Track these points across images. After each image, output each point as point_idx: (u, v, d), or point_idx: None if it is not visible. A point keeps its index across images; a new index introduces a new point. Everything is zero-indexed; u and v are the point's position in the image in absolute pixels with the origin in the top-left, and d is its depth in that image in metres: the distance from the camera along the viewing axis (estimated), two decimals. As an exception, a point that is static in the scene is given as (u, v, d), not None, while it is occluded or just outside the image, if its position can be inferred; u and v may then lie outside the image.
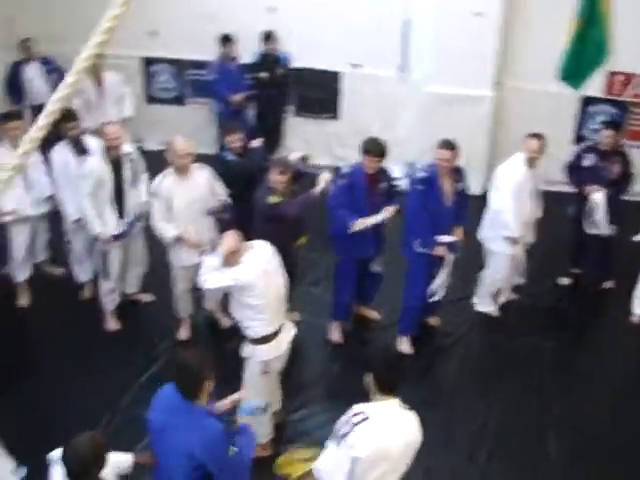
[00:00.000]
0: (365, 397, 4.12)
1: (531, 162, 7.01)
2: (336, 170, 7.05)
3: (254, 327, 5.39)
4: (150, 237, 7.05)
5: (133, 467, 4.33)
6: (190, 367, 4.12)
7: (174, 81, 11.06)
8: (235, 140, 7.14)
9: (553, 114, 9.51)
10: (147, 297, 7.72)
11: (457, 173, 6.65)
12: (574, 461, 5.97)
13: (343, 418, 3.95)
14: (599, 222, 7.55)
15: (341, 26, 9.94)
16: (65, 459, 3.64)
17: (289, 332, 5.70)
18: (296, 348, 7.03)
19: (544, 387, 6.76)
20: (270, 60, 10.24)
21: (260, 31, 10.08)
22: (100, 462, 3.69)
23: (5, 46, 10.38)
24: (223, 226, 6.81)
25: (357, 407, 3.96)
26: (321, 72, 10.51)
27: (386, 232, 7.00)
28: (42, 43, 9.89)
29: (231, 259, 5.25)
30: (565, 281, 8.22)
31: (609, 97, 9.83)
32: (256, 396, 5.45)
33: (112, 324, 7.35)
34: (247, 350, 5.53)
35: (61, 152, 7.17)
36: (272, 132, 10.46)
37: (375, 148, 6.49)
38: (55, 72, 9.77)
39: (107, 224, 6.87)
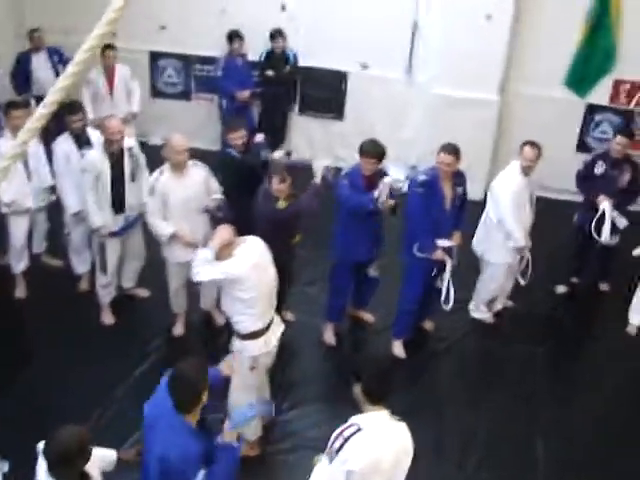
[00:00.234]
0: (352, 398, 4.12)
1: (526, 170, 6.98)
2: (338, 170, 7.01)
3: (244, 322, 5.40)
4: (148, 232, 7.04)
5: (117, 464, 4.32)
6: (187, 381, 4.03)
7: (180, 76, 11.06)
8: (237, 138, 7.09)
9: (557, 121, 9.51)
10: (143, 292, 7.72)
11: (457, 177, 6.62)
12: (564, 471, 5.96)
13: (336, 431, 3.91)
14: (605, 231, 7.50)
15: (350, 26, 9.92)
16: (46, 451, 3.63)
17: (278, 328, 5.71)
18: (289, 348, 7.07)
19: (535, 396, 6.76)
20: (277, 58, 10.24)
21: (269, 29, 10.07)
22: (83, 455, 3.67)
23: (15, 36, 10.43)
24: (218, 224, 6.83)
25: (352, 419, 3.94)
26: (327, 72, 10.50)
27: (383, 236, 6.99)
28: (51, 34, 9.91)
29: (223, 252, 5.27)
30: (562, 289, 8.22)
31: (614, 105, 9.81)
32: (244, 392, 5.51)
33: (108, 318, 7.35)
34: (236, 345, 5.54)
35: (64, 144, 7.15)
36: (276, 130, 10.46)
37: (372, 150, 6.48)
38: (63, 63, 9.81)
39: (105, 218, 6.88)
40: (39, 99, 9.56)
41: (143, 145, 8.66)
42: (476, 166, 8.38)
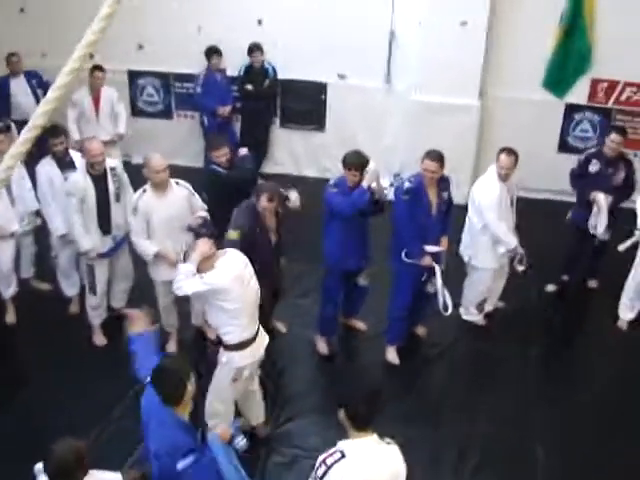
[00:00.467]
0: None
1: (504, 177, 6.99)
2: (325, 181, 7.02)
3: (230, 333, 5.43)
4: (135, 252, 7.03)
5: None
6: (171, 373, 4.15)
7: (160, 94, 11.07)
8: (221, 155, 7.09)
9: (538, 122, 9.59)
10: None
11: (443, 182, 6.65)
12: (563, 474, 5.94)
13: (320, 457, 3.85)
14: (600, 226, 7.54)
15: (327, 37, 9.96)
16: (46, 464, 3.72)
17: (264, 340, 5.73)
18: (284, 359, 7.10)
19: (530, 397, 6.75)
20: (256, 72, 10.28)
21: (246, 43, 10.09)
22: (81, 468, 3.74)
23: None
24: None
25: (338, 444, 3.87)
26: (307, 83, 10.54)
27: (372, 242, 7.00)
28: (28, 57, 9.93)
29: (205, 265, 5.31)
30: (551, 288, 8.25)
31: (593, 104, 9.88)
32: (219, 404, 5.62)
33: (100, 339, 7.33)
34: (222, 357, 5.55)
35: (46, 167, 7.15)
36: (259, 144, 10.48)
37: (355, 161, 6.47)
38: (42, 86, 9.81)
39: (93, 240, 6.87)
40: (20, 123, 9.57)
41: (126, 164, 8.67)
42: (459, 171, 8.43)
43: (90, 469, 3.89)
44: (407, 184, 6.58)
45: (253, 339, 5.53)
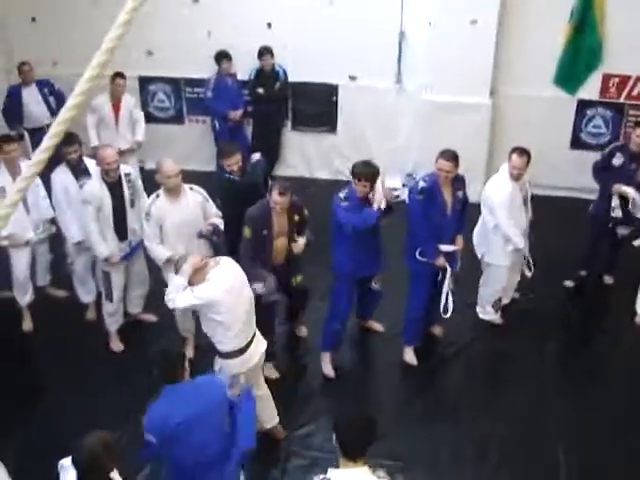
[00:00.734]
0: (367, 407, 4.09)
1: (516, 177, 6.98)
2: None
3: (224, 342, 5.44)
4: (150, 257, 7.05)
5: None
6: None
7: (171, 99, 11.10)
8: (233, 163, 6.97)
9: (550, 119, 9.56)
10: (150, 317, 7.70)
11: (457, 181, 6.64)
12: (582, 472, 5.89)
13: None
14: (636, 210, 7.50)
15: (337, 39, 9.98)
16: (75, 456, 3.76)
17: (260, 346, 5.73)
18: (303, 361, 7.07)
19: (548, 396, 6.72)
20: (267, 75, 10.29)
21: (256, 47, 10.11)
22: (110, 459, 3.80)
23: (4, 70, 10.50)
24: (215, 248, 6.84)
25: (328, 472, 3.77)
26: (318, 86, 10.56)
27: (385, 245, 6.98)
28: (40, 66, 9.98)
29: (197, 277, 5.31)
30: (569, 284, 8.23)
31: (605, 100, 9.84)
32: None
33: (117, 345, 7.35)
34: (217, 364, 5.59)
35: (61, 175, 7.17)
36: (271, 148, 10.49)
37: (364, 172, 6.33)
38: (54, 95, 9.86)
39: (110, 247, 6.90)
40: (32, 132, 9.65)
41: (142, 170, 8.72)
42: (472, 169, 8.40)
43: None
44: (422, 184, 6.58)
45: (247, 347, 5.53)
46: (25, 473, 5.14)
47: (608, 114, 9.90)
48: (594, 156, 8.24)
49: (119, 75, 9.47)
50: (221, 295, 5.25)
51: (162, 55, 10.68)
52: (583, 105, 9.85)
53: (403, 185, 10.33)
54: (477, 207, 7.36)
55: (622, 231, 7.69)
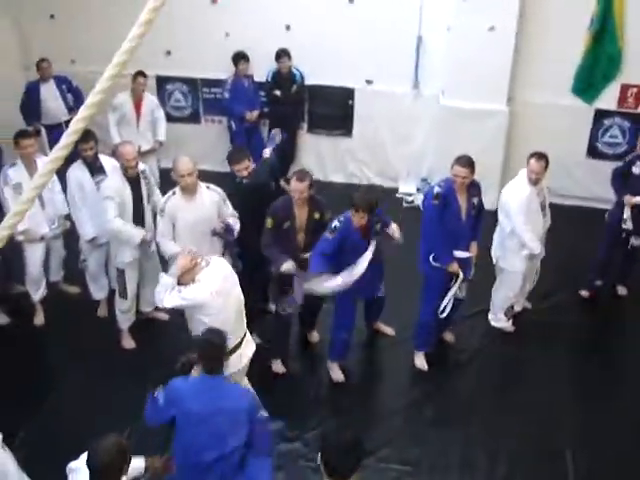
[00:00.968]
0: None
1: (534, 181, 6.97)
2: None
3: None
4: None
5: (145, 472, 4.46)
6: (214, 343, 4.65)
7: (188, 99, 11.13)
8: (242, 169, 6.87)
9: (566, 127, 9.51)
10: (163, 315, 7.71)
11: (473, 188, 6.64)
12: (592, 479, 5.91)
13: None
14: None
15: (354, 43, 9.97)
16: (89, 459, 3.75)
17: (249, 348, 5.74)
18: (313, 366, 7.08)
19: (561, 403, 6.70)
20: (284, 77, 10.28)
21: (274, 49, 10.12)
22: (123, 464, 3.81)
23: (23, 66, 10.57)
24: (228, 247, 6.84)
25: None
26: (334, 89, 10.53)
27: (399, 250, 6.97)
28: (58, 63, 10.03)
29: (186, 278, 5.32)
30: (585, 294, 8.18)
31: (622, 110, 9.79)
32: None
33: (128, 342, 7.37)
34: None
35: (77, 171, 7.20)
36: (286, 149, 10.49)
37: (363, 204, 6.16)
38: (71, 92, 9.92)
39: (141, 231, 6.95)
40: (49, 128, 9.70)
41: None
42: (488, 176, 8.36)
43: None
44: (437, 189, 6.57)
45: (236, 348, 5.53)
46: (34, 463, 5.14)
47: (625, 124, 9.84)
48: (610, 166, 8.21)
49: (140, 74, 9.50)
50: (209, 297, 5.27)
51: (180, 55, 10.70)
52: (600, 115, 9.78)
53: (417, 190, 10.34)
54: (490, 214, 7.35)
55: (635, 242, 7.66)
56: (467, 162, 6.42)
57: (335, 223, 6.29)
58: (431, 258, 6.67)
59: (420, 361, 7.10)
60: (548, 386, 6.91)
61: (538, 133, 9.28)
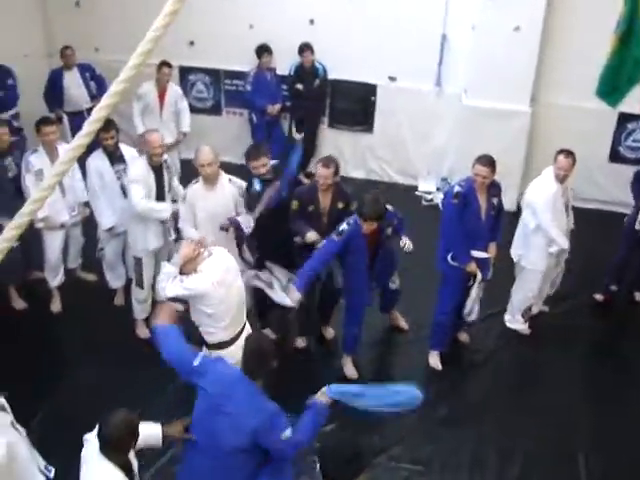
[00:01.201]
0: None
1: (561, 178, 6.95)
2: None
3: (211, 333, 5.47)
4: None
5: (163, 440, 4.43)
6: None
7: (210, 91, 11.14)
8: (259, 166, 6.67)
9: (589, 130, 9.44)
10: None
11: (493, 188, 6.62)
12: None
13: None
14: None
15: (378, 39, 9.96)
16: (100, 431, 3.86)
17: None
18: (327, 361, 7.06)
19: (575, 406, 6.67)
20: (307, 72, 10.27)
21: (297, 43, 10.11)
22: (132, 438, 3.94)
23: (47, 54, 10.61)
24: (239, 240, 6.82)
25: None
26: (357, 84, 10.53)
27: (418, 249, 6.94)
28: (81, 51, 10.07)
29: (188, 267, 5.31)
30: (599, 297, 8.14)
31: (647, 114, 9.71)
32: None
33: (143, 332, 7.37)
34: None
35: (97, 160, 7.21)
36: (307, 143, 10.48)
37: (372, 213, 6.10)
38: (94, 79, 9.95)
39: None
40: (72, 115, 9.73)
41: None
42: (508, 177, 8.34)
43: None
44: (457, 188, 6.55)
45: (235, 339, 5.52)
46: (49, 443, 5.24)
47: (649, 129, 9.78)
48: (632, 170, 8.13)
49: (165, 64, 9.52)
50: (210, 287, 5.26)
51: (203, 46, 10.72)
52: (624, 118, 9.71)
53: (437, 189, 10.30)
54: (510, 215, 7.31)
55: None
56: (488, 161, 6.41)
57: (343, 226, 6.28)
58: (449, 257, 6.66)
59: (434, 360, 7.08)
60: (563, 389, 6.88)
61: (560, 135, 9.20)
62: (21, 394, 5.46)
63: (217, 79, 11.07)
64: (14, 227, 2.39)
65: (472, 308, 6.88)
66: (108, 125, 7.03)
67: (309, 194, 6.69)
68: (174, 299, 5.54)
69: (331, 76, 10.44)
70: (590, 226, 8.37)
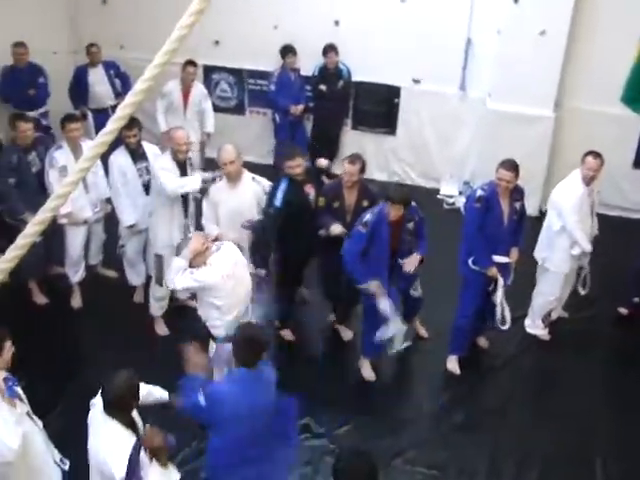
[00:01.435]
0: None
1: (588, 180, 6.92)
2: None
3: (218, 327, 5.53)
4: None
5: (163, 406, 4.72)
6: (253, 338, 4.58)
7: (234, 90, 11.16)
8: (295, 166, 6.69)
9: (614, 137, 9.34)
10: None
11: (516, 192, 6.59)
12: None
13: None
14: None
15: (402, 41, 9.94)
16: (103, 391, 4.10)
17: None
18: (345, 362, 7.05)
19: (594, 412, 6.62)
20: (330, 73, 10.28)
21: (321, 44, 10.12)
22: (133, 399, 4.16)
23: (72, 51, 10.69)
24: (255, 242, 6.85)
25: None
26: (380, 86, 10.51)
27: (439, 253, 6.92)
28: (106, 48, 10.14)
29: (198, 260, 5.40)
30: (624, 311, 7.98)
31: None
32: None
33: (162, 329, 7.43)
34: (211, 348, 5.64)
35: (120, 157, 7.22)
36: (330, 144, 10.49)
37: (400, 197, 6.17)
38: (119, 77, 10.01)
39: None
40: (96, 112, 9.79)
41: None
42: (531, 182, 8.31)
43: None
44: (480, 192, 6.53)
45: None
46: (66, 437, 5.28)
47: (673, 136, 9.68)
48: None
49: (190, 63, 9.58)
50: (220, 280, 5.35)
51: (228, 45, 10.75)
52: (648, 125, 9.63)
53: (459, 193, 10.27)
54: (532, 220, 7.27)
55: None
56: (512, 166, 6.38)
57: (367, 217, 6.29)
58: (470, 261, 6.63)
59: (452, 364, 7.05)
60: (582, 394, 6.83)
61: (584, 141, 9.10)
62: (40, 388, 5.52)
63: (241, 79, 11.10)
64: (37, 222, 2.40)
65: (503, 314, 6.82)
66: (132, 123, 7.05)
67: (335, 191, 6.77)
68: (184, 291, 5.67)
69: (355, 78, 10.44)
70: (614, 233, 8.31)
